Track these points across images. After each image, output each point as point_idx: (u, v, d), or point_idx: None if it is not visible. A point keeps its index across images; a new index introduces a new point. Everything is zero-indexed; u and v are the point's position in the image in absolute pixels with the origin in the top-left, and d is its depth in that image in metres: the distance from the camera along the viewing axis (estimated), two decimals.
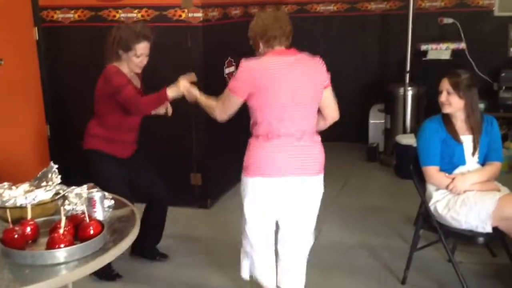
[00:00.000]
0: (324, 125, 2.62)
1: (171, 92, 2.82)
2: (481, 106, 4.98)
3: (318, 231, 2.91)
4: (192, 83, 2.85)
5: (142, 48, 2.92)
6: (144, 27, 2.99)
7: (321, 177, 2.56)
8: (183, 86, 2.80)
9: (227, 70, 4.35)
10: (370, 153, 5.24)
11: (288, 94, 2.41)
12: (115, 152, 3.06)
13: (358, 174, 4.95)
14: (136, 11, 4.02)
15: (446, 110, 2.89)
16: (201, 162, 4.16)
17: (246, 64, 2.44)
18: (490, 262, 3.23)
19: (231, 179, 4.59)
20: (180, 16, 3.96)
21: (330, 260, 2.83)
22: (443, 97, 2.88)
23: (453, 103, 2.86)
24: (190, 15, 3.96)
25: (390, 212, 4.02)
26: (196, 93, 2.76)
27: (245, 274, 2.78)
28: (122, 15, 4.03)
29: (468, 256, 3.26)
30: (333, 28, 5.72)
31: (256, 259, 2.68)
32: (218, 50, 4.23)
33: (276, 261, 2.70)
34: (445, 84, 2.88)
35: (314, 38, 5.48)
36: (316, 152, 2.52)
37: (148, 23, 3.47)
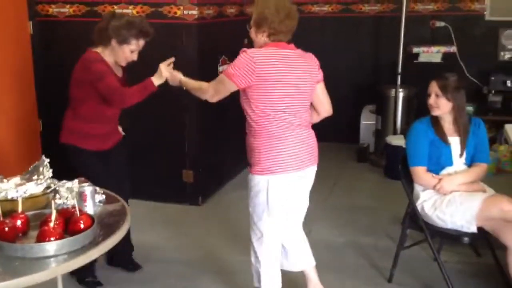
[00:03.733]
0: (317, 118, 2.70)
1: (156, 79, 2.76)
2: (470, 109, 5.06)
3: (308, 230, 2.94)
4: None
5: (140, 44, 2.85)
6: (145, 23, 2.87)
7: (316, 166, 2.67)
8: (165, 70, 2.76)
9: (221, 68, 4.38)
10: (361, 153, 5.28)
11: (292, 86, 2.46)
12: (91, 147, 2.90)
13: (348, 174, 4.99)
14: (131, 7, 4.03)
15: (435, 112, 2.94)
16: (193, 159, 4.19)
17: (250, 54, 2.40)
18: (474, 261, 3.28)
19: (224, 177, 4.65)
20: (176, 13, 3.98)
21: (319, 259, 2.86)
22: (431, 100, 2.93)
23: (441, 106, 2.91)
24: (185, 12, 3.99)
25: (379, 212, 4.07)
26: (179, 76, 2.76)
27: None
28: (118, 10, 4.04)
29: (453, 256, 3.32)
30: (327, 29, 5.76)
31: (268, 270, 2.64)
32: (212, 48, 4.26)
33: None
34: (434, 87, 2.93)
35: (309, 38, 5.45)
36: (315, 142, 2.63)
37: None
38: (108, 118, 2.97)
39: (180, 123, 4.11)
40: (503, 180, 4.42)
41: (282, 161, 2.48)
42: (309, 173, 2.62)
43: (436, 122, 2.96)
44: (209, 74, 4.19)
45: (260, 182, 2.51)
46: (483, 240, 2.95)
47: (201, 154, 4.22)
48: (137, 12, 4.01)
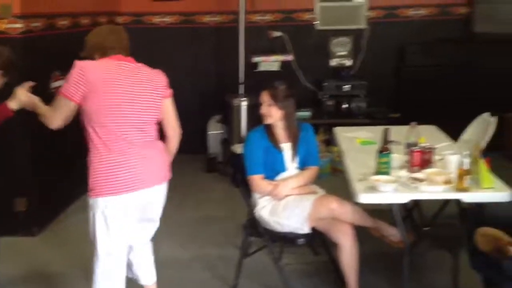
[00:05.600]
0: (171, 142, 2.64)
1: (14, 104, 2.55)
2: (307, 113, 5.36)
3: (156, 246, 2.86)
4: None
5: None
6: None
7: (166, 183, 2.60)
8: (24, 95, 2.56)
9: (54, 85, 4.14)
10: (210, 164, 5.33)
11: (128, 100, 2.37)
12: None
13: (197, 185, 5.00)
14: None
15: (267, 121, 3.05)
16: (26, 185, 3.88)
17: (80, 64, 2.35)
18: (313, 260, 3.44)
19: (62, 202, 4.36)
20: None
21: (163, 277, 2.82)
22: (263, 109, 3.04)
23: (273, 114, 3.02)
24: (8, 26, 3.71)
25: (226, 221, 4.11)
26: (35, 101, 2.56)
27: None
28: None
29: (294, 257, 3.46)
30: (169, 39, 5.74)
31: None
32: (43, 63, 4.00)
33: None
34: (265, 97, 3.04)
35: (151, 49, 5.45)
36: (162, 160, 2.54)
37: None
38: None
39: (9, 146, 3.79)
40: (338, 179, 4.72)
41: (120, 181, 2.37)
42: (155, 193, 2.52)
43: (269, 130, 3.07)
44: (40, 92, 3.94)
45: (97, 204, 2.40)
46: (319, 239, 3.12)
47: (35, 180, 3.92)
48: None
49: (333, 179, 4.69)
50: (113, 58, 2.45)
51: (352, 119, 5.20)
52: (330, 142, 5.00)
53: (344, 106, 5.33)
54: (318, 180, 3.14)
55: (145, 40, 5.44)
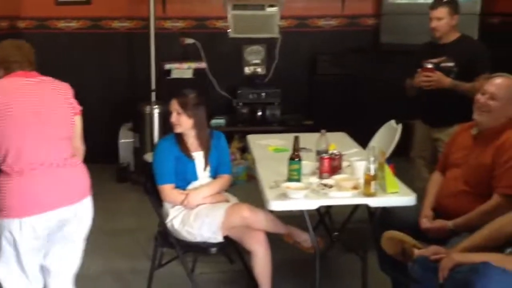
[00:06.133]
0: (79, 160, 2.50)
1: None
2: (222, 121, 5.34)
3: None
4: None
5: None
6: None
7: (89, 198, 2.49)
8: None
9: None
10: (121, 173, 5.16)
11: (32, 115, 2.23)
12: None
13: (108, 196, 4.79)
14: None
15: (177, 130, 2.99)
16: None
17: None
18: (228, 269, 3.40)
19: None
20: None
21: None
22: (173, 118, 2.98)
23: (183, 123, 2.96)
24: None
25: (138, 233, 3.98)
26: None
27: None
28: None
29: (209, 266, 3.41)
30: (76, 45, 5.51)
31: None
32: None
33: None
34: (174, 105, 2.98)
35: (57, 56, 5.22)
36: (78, 175, 2.42)
37: None
38: None
39: None
40: (254, 186, 4.73)
41: (29, 202, 2.23)
42: (67, 212, 2.36)
43: (180, 138, 3.01)
44: None
45: (4, 225, 2.25)
46: (232, 247, 3.09)
47: None
48: None
49: (249, 186, 4.68)
50: (16, 75, 2.30)
51: (267, 126, 5.24)
52: (245, 149, 5.00)
53: (259, 113, 5.36)
54: (234, 187, 3.12)
55: (50, 46, 5.21)
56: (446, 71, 3.50)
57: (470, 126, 2.78)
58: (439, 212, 2.72)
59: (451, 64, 3.53)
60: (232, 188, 3.20)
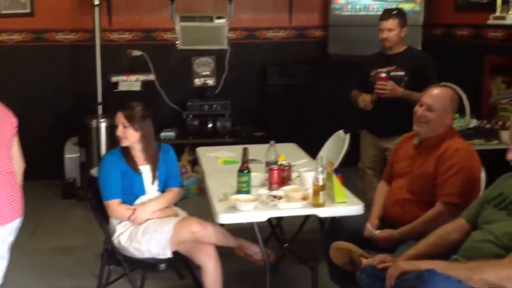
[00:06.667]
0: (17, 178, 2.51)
1: None
2: (172, 134, 5.27)
3: (3, 281, 2.61)
4: None
5: None
6: None
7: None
8: None
9: None
10: (66, 189, 5.00)
11: None
12: None
13: (53, 213, 4.65)
14: None
15: (124, 143, 2.93)
16: None
17: None
18: (178, 285, 3.33)
19: None
20: None
21: None
22: (119, 131, 2.92)
23: (129, 136, 2.90)
24: None
25: (84, 250, 3.85)
26: None
27: None
28: None
29: (158, 283, 3.34)
30: (20, 58, 5.32)
31: None
32: None
33: None
34: (120, 118, 2.92)
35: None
36: (19, 193, 2.43)
37: None
38: None
39: None
40: (205, 199, 4.68)
41: None
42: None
43: (127, 152, 2.95)
44: None
45: None
46: (182, 262, 3.03)
47: None
48: None
49: (200, 200, 4.61)
50: None
51: (218, 138, 5.20)
52: (196, 162, 4.94)
53: (209, 125, 5.32)
54: (185, 200, 3.07)
55: None
56: (397, 80, 3.61)
57: (412, 136, 2.84)
58: (386, 221, 2.75)
59: (401, 73, 3.64)
60: (183, 201, 3.17)
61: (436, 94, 2.69)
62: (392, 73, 3.64)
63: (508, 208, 2.03)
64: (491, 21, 3.92)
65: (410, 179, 2.72)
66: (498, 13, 3.85)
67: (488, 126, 4.01)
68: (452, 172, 2.53)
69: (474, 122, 4.03)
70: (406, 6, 4.94)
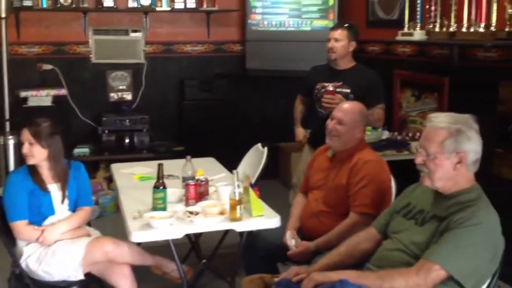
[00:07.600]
0: None
1: None
2: (86, 150, 5.08)
3: None
4: None
5: None
6: None
7: None
8: None
9: None
10: None
11: None
12: None
13: None
14: None
15: (30, 161, 2.79)
16: None
17: None
18: None
19: None
20: None
21: None
22: (25, 149, 2.77)
23: (36, 154, 2.76)
24: None
25: None
26: None
27: None
28: None
29: None
30: None
31: None
32: None
33: None
34: (26, 135, 2.78)
35: None
36: None
37: None
38: None
39: None
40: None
41: None
42: None
43: (33, 170, 2.81)
44: None
45: None
46: (96, 284, 2.90)
47: None
48: None
49: (117, 217, 4.44)
50: None
51: (135, 154, 5.07)
52: (112, 179, 4.79)
53: (126, 141, 5.18)
54: (101, 219, 2.94)
55: None
56: (343, 97, 3.47)
57: (326, 149, 2.89)
58: (303, 233, 2.78)
59: (347, 90, 3.53)
60: (98, 220, 3.04)
61: (346, 109, 2.76)
62: (338, 89, 3.52)
63: (415, 218, 2.09)
64: (399, 37, 4.10)
65: (326, 191, 2.76)
66: (406, 30, 4.04)
67: (399, 137, 4.18)
68: (363, 184, 2.60)
69: (386, 134, 4.19)
70: (320, 23, 5.09)
